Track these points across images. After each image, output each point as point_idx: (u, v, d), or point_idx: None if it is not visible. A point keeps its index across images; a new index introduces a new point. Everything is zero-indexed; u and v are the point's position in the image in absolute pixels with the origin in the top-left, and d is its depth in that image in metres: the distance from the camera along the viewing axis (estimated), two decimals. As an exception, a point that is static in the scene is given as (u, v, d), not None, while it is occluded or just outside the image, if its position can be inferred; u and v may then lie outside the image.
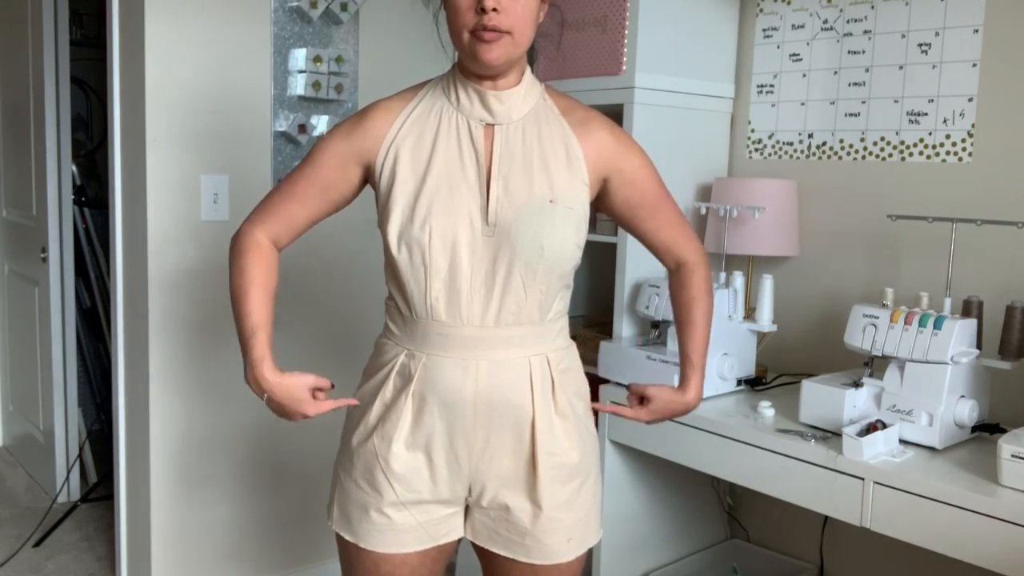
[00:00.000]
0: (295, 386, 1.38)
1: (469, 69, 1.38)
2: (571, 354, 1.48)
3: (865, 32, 2.26)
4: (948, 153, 2.12)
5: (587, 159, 1.42)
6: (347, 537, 1.45)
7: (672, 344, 2.20)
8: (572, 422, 1.44)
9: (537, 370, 1.40)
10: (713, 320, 2.07)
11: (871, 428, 1.76)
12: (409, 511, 1.41)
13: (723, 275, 2.21)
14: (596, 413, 1.53)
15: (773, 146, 2.46)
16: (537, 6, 1.35)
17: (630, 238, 2.26)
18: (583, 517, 1.46)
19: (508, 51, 1.32)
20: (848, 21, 2.29)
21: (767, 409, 2.00)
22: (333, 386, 1.43)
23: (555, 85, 2.39)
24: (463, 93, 1.39)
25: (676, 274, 1.56)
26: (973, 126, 2.08)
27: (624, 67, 2.26)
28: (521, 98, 1.40)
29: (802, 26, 2.39)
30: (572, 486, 1.44)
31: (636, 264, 2.31)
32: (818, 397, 1.90)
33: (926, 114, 2.16)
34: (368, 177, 1.43)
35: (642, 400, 1.53)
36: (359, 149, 1.41)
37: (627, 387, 1.40)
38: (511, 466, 1.41)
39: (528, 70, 1.44)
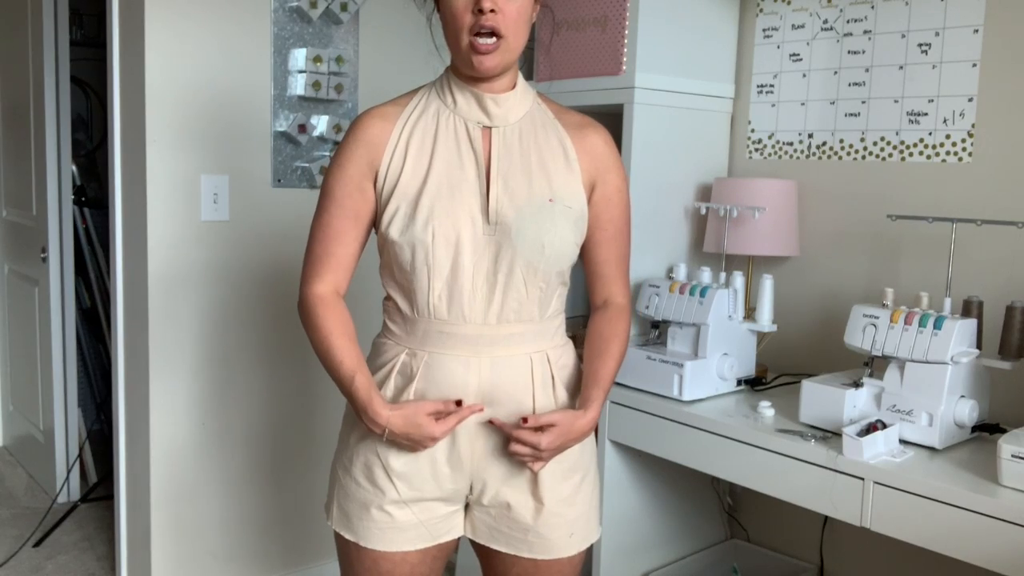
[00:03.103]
0: (412, 414, 1.35)
1: (464, 72, 1.39)
2: (569, 351, 1.50)
3: (865, 32, 2.26)
4: (948, 153, 2.12)
5: (581, 160, 1.44)
6: (347, 536, 1.45)
7: (672, 344, 2.20)
8: (571, 417, 1.45)
9: (538, 367, 1.42)
10: (713, 320, 2.10)
11: (871, 428, 1.76)
12: (411, 509, 1.41)
13: (723, 275, 2.21)
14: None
15: (773, 146, 2.46)
16: (531, 6, 1.37)
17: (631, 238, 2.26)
18: (584, 512, 1.48)
19: (504, 57, 1.35)
20: (848, 21, 2.29)
21: (767, 409, 2.00)
22: (459, 403, 1.36)
23: (554, 85, 2.40)
24: (460, 95, 1.41)
25: (602, 311, 1.52)
26: (973, 126, 2.08)
27: (624, 67, 2.26)
28: (517, 101, 1.43)
29: (802, 26, 2.39)
30: (573, 481, 1.45)
31: (635, 264, 2.31)
32: (818, 397, 1.90)
33: (926, 114, 2.16)
34: (373, 183, 1.43)
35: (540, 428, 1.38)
36: (368, 162, 1.40)
37: (523, 420, 1.35)
38: (513, 462, 1.42)
39: (521, 75, 1.45)
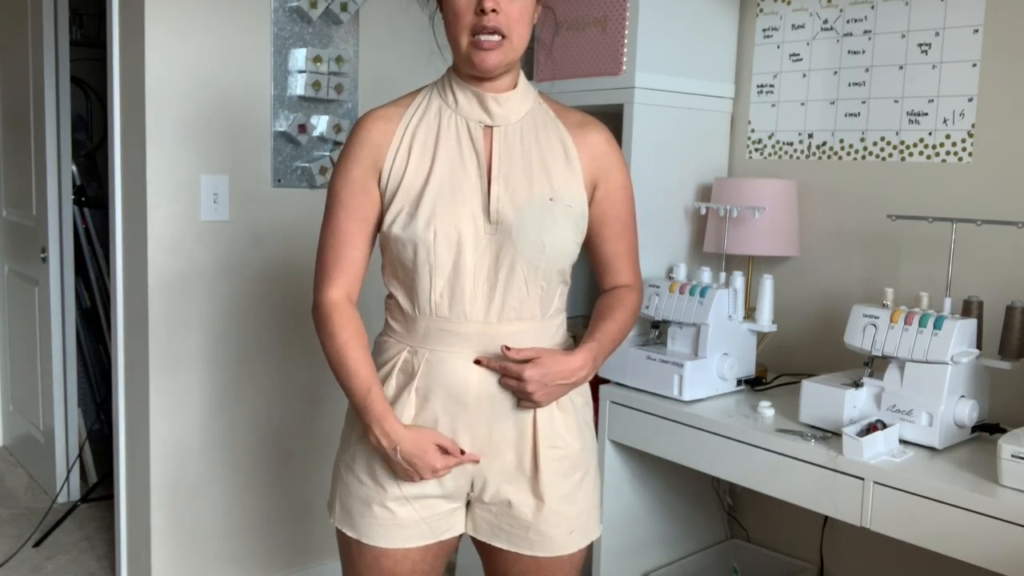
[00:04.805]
0: (423, 438, 1.37)
1: (466, 72, 1.39)
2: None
3: (865, 32, 2.26)
4: (948, 153, 2.12)
5: (582, 160, 1.44)
6: (349, 533, 1.45)
7: (672, 344, 2.20)
8: (572, 416, 1.47)
9: None
10: (713, 320, 2.10)
11: (871, 428, 1.76)
12: (412, 506, 1.42)
13: (723, 275, 2.21)
14: (596, 412, 1.53)
15: (773, 146, 2.46)
16: (533, 7, 1.38)
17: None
18: (585, 510, 1.48)
19: (506, 56, 1.36)
20: (848, 21, 2.29)
21: (767, 409, 2.00)
22: (463, 452, 1.40)
23: (555, 85, 2.40)
24: (461, 95, 1.41)
25: (612, 291, 1.54)
26: (973, 126, 2.08)
27: (624, 67, 2.26)
28: (518, 101, 1.44)
29: (802, 26, 2.39)
30: (574, 479, 1.46)
31: (636, 264, 2.31)
32: (818, 397, 1.90)
33: (926, 114, 2.16)
34: (377, 183, 1.43)
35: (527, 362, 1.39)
36: (371, 164, 1.41)
37: (505, 348, 1.37)
38: (513, 460, 1.43)
39: (522, 75, 1.45)
